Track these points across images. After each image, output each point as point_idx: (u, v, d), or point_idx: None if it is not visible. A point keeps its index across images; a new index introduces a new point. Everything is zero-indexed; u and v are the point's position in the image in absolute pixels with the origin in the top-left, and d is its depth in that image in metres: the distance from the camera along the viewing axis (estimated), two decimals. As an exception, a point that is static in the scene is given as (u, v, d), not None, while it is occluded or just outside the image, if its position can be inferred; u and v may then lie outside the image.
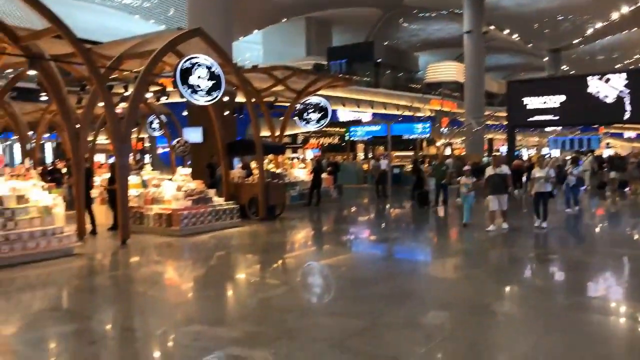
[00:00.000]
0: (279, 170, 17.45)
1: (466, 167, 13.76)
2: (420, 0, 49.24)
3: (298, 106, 20.49)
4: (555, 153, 45.56)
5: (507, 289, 7.56)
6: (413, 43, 61.29)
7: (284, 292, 7.34)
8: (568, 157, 30.84)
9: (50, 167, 23.01)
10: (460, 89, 50.41)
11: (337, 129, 33.28)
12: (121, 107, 18.85)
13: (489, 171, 12.33)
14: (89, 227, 12.58)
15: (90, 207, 12.98)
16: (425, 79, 52.88)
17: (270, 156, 20.48)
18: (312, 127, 21.45)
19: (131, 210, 13.22)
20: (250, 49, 52.46)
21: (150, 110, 23.52)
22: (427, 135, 24.25)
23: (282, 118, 20.98)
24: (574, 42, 58.07)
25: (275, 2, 47.42)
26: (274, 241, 12.03)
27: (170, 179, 14.83)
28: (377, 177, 22.11)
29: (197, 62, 12.98)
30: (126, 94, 15.93)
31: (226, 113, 19.47)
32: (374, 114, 39.60)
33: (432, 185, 18.62)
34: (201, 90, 13.08)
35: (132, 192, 13.98)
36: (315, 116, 21.03)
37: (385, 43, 51.10)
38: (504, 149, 54.54)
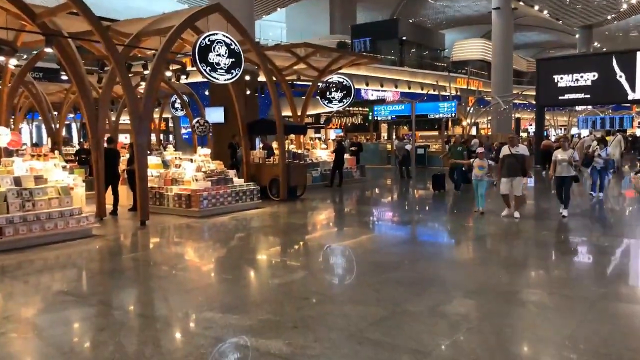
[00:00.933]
0: (300, 151, 17.13)
1: (480, 149, 12.46)
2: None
3: (320, 85, 20.09)
4: (584, 133, 44.30)
5: (510, 277, 7.18)
6: (439, 21, 59.95)
7: (302, 277, 7.08)
8: (594, 138, 29.87)
9: (78, 148, 23.15)
10: (487, 68, 49.22)
11: (361, 109, 32.68)
12: (142, 87, 18.68)
13: (505, 151, 11.34)
14: (110, 207, 12.52)
15: (116, 187, 12.88)
16: (451, 57, 51.72)
17: (292, 136, 20.20)
18: (334, 107, 21.07)
19: (151, 191, 13.13)
20: (273, 28, 51.91)
21: (173, 90, 23.33)
22: (453, 114, 23.60)
23: (304, 97, 20.63)
24: (608, 18, 55.99)
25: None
26: (294, 223, 11.77)
27: (192, 160, 14.67)
28: (401, 157, 21.60)
29: (216, 39, 12.68)
30: (146, 72, 15.77)
31: (248, 92, 19.27)
32: (401, 93, 38.92)
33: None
34: (220, 68, 12.79)
35: (153, 172, 13.87)
36: (338, 95, 20.66)
37: (411, 20, 49.95)
38: (531, 129, 53.30)
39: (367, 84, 38.31)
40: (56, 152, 17.92)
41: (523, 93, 42.76)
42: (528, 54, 68.03)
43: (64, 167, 15.96)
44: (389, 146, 29.48)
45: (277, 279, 6.99)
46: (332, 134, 39.48)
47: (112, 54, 10.97)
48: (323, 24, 51.25)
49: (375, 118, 25.88)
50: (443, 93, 35.42)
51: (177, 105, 25.86)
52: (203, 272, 7.77)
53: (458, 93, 37.81)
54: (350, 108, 32.18)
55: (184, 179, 12.76)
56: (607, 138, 23.97)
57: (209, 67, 12.52)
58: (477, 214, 11.92)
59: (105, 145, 13.50)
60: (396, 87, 39.89)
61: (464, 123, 30.64)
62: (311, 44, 17.62)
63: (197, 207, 12.23)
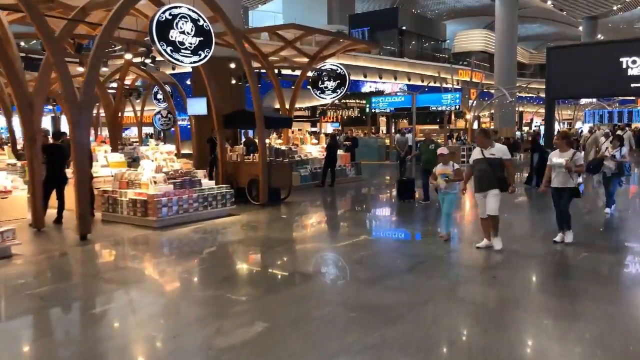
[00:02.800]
0: (284, 147, 14.78)
1: (442, 150, 8.59)
2: (448, -36, 45.45)
3: (311, 73, 17.71)
4: (585, 128, 41.87)
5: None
6: (440, 11, 57.32)
7: (260, 337, 4.77)
8: (603, 133, 27.47)
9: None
10: (489, 60, 46.74)
11: (358, 101, 30.25)
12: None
13: (475, 154, 7.71)
14: (53, 214, 10.21)
15: (61, 191, 10.55)
16: (452, 49, 49.22)
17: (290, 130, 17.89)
18: (327, 97, 18.71)
19: (104, 195, 10.82)
20: (269, 17, 49.29)
21: (153, 80, 20.95)
22: (457, 107, 21.22)
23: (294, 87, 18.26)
24: (614, 8, 53.38)
25: (295, -32, 44.21)
26: (269, 238, 9.44)
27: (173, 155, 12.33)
28: (403, 153, 19.15)
29: (179, 14, 10.32)
30: (127, 57, 13.47)
31: (233, 82, 16.94)
32: (401, 86, 36.49)
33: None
34: (185, 48, 10.44)
35: (114, 171, 11.58)
36: (331, 85, 18.29)
37: (412, 11, 47.41)
38: (536, 123, 50.86)
39: (365, 76, 35.84)
40: (6, 148, 15.59)
41: (528, 86, 40.35)
42: (530, 47, 65.44)
43: (13, 165, 13.67)
44: (387, 141, 27.12)
45: (224, 339, 4.67)
46: (330, 128, 37.17)
47: (41, 31, 8.59)
48: (321, 14, 48.62)
49: (373, 110, 23.44)
50: (445, 85, 33.00)
51: (159, 96, 23.51)
52: (134, 323, 5.45)
53: (459, 85, 35.36)
54: (347, 100, 29.82)
55: (141, 181, 10.42)
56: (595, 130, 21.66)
57: (170, 47, 10.16)
58: (442, 241, 8.37)
59: (51, 140, 11.20)
60: (395, 78, 37.41)
61: (468, 116, 28.25)
62: (300, 25, 15.22)
63: (155, 215, 9.90)
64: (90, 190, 11.09)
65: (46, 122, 34.47)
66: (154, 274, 7.27)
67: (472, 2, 55.79)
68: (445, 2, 56.44)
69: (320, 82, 18.28)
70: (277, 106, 34.27)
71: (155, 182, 10.22)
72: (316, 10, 48.49)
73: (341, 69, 18.10)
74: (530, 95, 41.23)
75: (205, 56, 10.82)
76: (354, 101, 31.73)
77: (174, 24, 10.19)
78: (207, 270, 7.32)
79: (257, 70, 16.40)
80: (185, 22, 10.39)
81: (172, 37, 10.16)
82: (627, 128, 25.40)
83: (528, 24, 60.37)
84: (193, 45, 10.56)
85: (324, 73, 17.92)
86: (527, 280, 6.58)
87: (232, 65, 16.56)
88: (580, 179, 8.14)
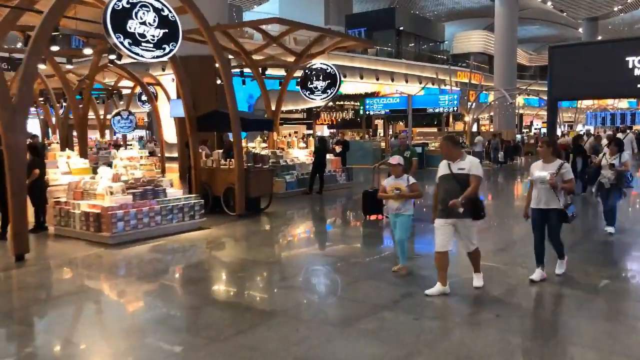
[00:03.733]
0: (265, 152, 13.42)
1: (394, 159, 6.66)
2: (446, -35, 44.14)
3: (299, 73, 16.39)
4: (582, 130, 40.44)
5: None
6: (439, 13, 56.03)
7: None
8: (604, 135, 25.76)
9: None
10: (489, 61, 45.39)
11: (353, 103, 28.86)
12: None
13: (441, 169, 5.86)
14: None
15: (4, 203, 9.20)
16: (451, 50, 47.90)
17: (266, 133, 16.54)
18: (317, 99, 17.38)
19: (55, 207, 9.49)
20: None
21: (134, 80, 19.64)
22: (455, 108, 19.93)
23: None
24: (614, 9, 52.00)
25: (291, -32, 42.94)
26: (237, 257, 8.11)
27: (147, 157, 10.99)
28: None
29: (139, 2, 8.99)
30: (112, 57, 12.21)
31: (219, 82, 15.64)
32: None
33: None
34: (147, 41, 9.11)
35: (74, 179, 10.24)
36: (321, 85, 16.96)
37: (409, 11, 46.07)
38: (536, 125, 49.51)
39: (361, 77, 34.54)
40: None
41: (529, 88, 39.01)
42: (529, 49, 64.11)
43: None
44: (383, 144, 25.77)
45: None
46: (327, 131, 35.84)
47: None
48: (318, 15, 47.25)
49: (367, 112, 22.17)
50: (443, 87, 31.68)
51: (144, 97, 22.21)
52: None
53: (458, 87, 34.04)
54: (343, 102, 28.50)
55: (96, 191, 9.09)
56: (602, 133, 19.95)
57: (128, 40, 8.84)
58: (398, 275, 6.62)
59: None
60: (392, 80, 36.07)
61: (467, 119, 26.90)
62: (283, 19, 13.91)
63: (109, 231, 8.57)
64: (44, 201, 9.81)
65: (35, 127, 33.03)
66: (78, 310, 5.93)
67: (472, 3, 54.49)
68: (444, 3, 55.14)
69: (309, 82, 16.97)
70: (273, 107, 33.18)
71: (111, 193, 8.89)
72: (313, 11, 47.12)
73: (331, 68, 16.77)
74: (535, 97, 39.78)
75: (171, 50, 9.48)
76: (349, 103, 30.37)
77: (133, 14, 8.86)
78: (145, 307, 5.96)
79: (241, 69, 15.13)
80: (147, 11, 9.06)
81: (130, 28, 8.83)
82: (628, 130, 23.88)
83: (528, 25, 59.04)
84: (156, 38, 9.22)
85: (314, 72, 16.61)
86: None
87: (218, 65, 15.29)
88: (569, 199, 6.24)
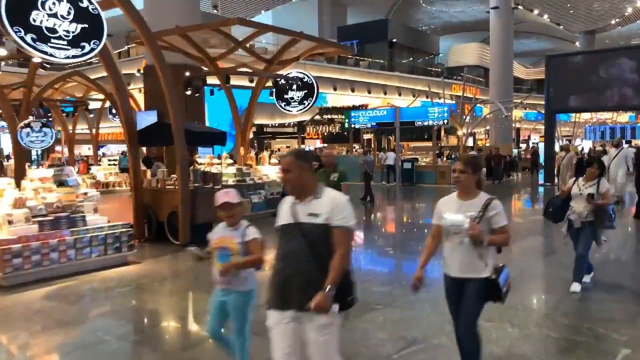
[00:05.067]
0: (216, 170, 11.59)
1: (223, 194, 3.80)
2: (442, -23, 42.68)
3: (279, 81, 14.65)
4: (586, 145, 38.52)
5: None
6: (434, 26, 54.56)
7: None
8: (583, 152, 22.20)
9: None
10: (485, 74, 43.73)
11: (342, 117, 27.09)
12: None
13: (283, 214, 3.09)
14: None
15: None
16: (446, 63, 46.30)
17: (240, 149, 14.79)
18: (294, 110, 15.63)
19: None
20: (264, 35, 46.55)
21: (102, 91, 17.97)
22: (445, 121, 18.20)
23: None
24: (612, 22, 50.49)
25: (284, -20, 41.59)
26: (155, 308, 6.28)
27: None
28: (363, 175, 16.31)
29: (48, -10, 7.30)
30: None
31: (188, 92, 13.98)
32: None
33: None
34: (58, 37, 7.38)
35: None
36: (298, 95, 15.22)
37: (402, 23, 44.51)
38: (534, 140, 47.72)
39: (352, 90, 32.89)
40: None
41: (522, 102, 37.31)
42: (526, 63, 62.51)
43: None
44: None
45: None
46: (320, 145, 34.07)
47: None
48: (311, 28, 45.79)
49: (353, 126, 20.43)
50: (438, 100, 29.97)
51: (114, 110, 20.51)
52: None
53: (453, 100, 32.36)
54: (333, 115, 26.78)
55: (-6, 219, 7.31)
56: (607, 150, 16.54)
57: (32, 35, 7.11)
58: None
59: None
60: (385, 93, 34.41)
61: (459, 132, 25.13)
62: (247, 20, 12.22)
63: (1, 270, 6.78)
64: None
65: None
66: None
67: (467, 17, 53.01)
68: (439, 17, 53.66)
69: (285, 93, 15.25)
70: (259, 122, 31.47)
71: (10, 222, 7.10)
72: (307, 23, 45.66)
73: (308, 77, 15.05)
74: (529, 111, 38.08)
75: (92, 49, 7.75)
76: (339, 116, 28.65)
77: (39, 3, 7.15)
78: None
79: (203, 76, 13.42)
80: (58, 1, 7.35)
81: (35, 20, 7.11)
82: (624, 145, 21.17)
83: (524, 39, 57.55)
84: (71, 34, 7.50)
85: (289, 82, 14.89)
86: None
87: (187, 74, 13.61)
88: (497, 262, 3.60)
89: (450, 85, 36.93)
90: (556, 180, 16.95)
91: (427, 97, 32.31)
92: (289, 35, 12.67)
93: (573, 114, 37.03)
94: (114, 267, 7.77)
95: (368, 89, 33.89)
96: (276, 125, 32.88)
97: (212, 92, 15.17)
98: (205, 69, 13.75)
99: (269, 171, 13.62)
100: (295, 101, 15.33)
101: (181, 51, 13.52)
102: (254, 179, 12.90)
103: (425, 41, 43.08)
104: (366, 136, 28.85)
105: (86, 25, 7.64)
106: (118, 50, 22.97)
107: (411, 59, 41.06)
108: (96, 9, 7.76)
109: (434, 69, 41.03)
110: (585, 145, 38.57)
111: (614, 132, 33.04)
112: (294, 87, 14.77)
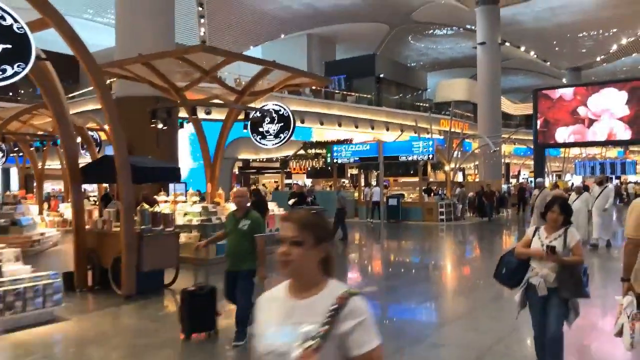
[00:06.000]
0: (168, 210, 10.43)
1: None
2: (429, 15, 42.53)
3: (254, 114, 13.63)
4: (576, 180, 37.70)
5: None
6: (423, 63, 54.48)
7: None
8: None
9: None
10: (474, 110, 43.26)
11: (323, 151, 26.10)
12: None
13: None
14: None
15: None
16: (434, 98, 45.87)
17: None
18: (269, 144, 14.61)
19: None
20: (248, 67, 46.08)
21: (76, 127, 16.88)
22: (430, 156, 17.21)
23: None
24: (597, 59, 50.54)
25: (273, 17, 41.33)
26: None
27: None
28: (335, 213, 15.19)
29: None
30: None
31: (160, 126, 12.99)
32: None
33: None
34: (-28, 60, 6.34)
35: None
36: (274, 128, 14.22)
37: (391, 58, 44.18)
38: (524, 176, 46.90)
39: (339, 125, 32.14)
40: None
41: (510, 137, 36.67)
42: (514, 98, 62.43)
43: None
44: (356, 194, 22.90)
45: None
46: (308, 181, 32.97)
47: None
48: (300, 64, 45.37)
49: (335, 161, 19.41)
50: (426, 136, 29.13)
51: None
52: None
53: (441, 135, 31.59)
54: (316, 150, 25.77)
55: None
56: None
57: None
58: None
59: None
60: (372, 128, 33.67)
61: (447, 168, 24.16)
62: (211, 47, 11.29)
63: None
64: None
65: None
66: None
67: (455, 53, 53.02)
68: (427, 53, 53.64)
69: (259, 125, 14.25)
70: (244, 156, 30.44)
71: None
72: (296, 59, 45.33)
73: (284, 109, 14.09)
74: (519, 146, 37.36)
75: (16, 73, 6.70)
76: (322, 151, 27.65)
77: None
78: None
79: (168, 108, 12.39)
80: (-26, 19, 6.34)
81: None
82: (608, 183, 18.02)
83: (512, 75, 57.64)
84: (-8, 56, 6.47)
85: (264, 114, 13.89)
86: None
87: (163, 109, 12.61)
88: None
89: (438, 120, 36.30)
90: (530, 222, 13.73)
91: (414, 132, 31.55)
92: (260, 64, 11.72)
93: (562, 149, 36.33)
94: (37, 326, 6.52)
95: (355, 123, 33.14)
96: (264, 160, 31.93)
97: (181, 125, 14.16)
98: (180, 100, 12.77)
99: (239, 210, 12.41)
100: (270, 134, 14.32)
101: (147, 81, 12.56)
102: (221, 219, 11.70)
103: (413, 76, 42.71)
104: (352, 171, 27.78)
105: (9, 46, 6.61)
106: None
107: (400, 95, 40.58)
108: (22, 27, 6.75)
109: (422, 104, 40.49)
110: (575, 180, 37.75)
111: (604, 168, 32.22)
112: (270, 119, 13.79)
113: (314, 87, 34.94)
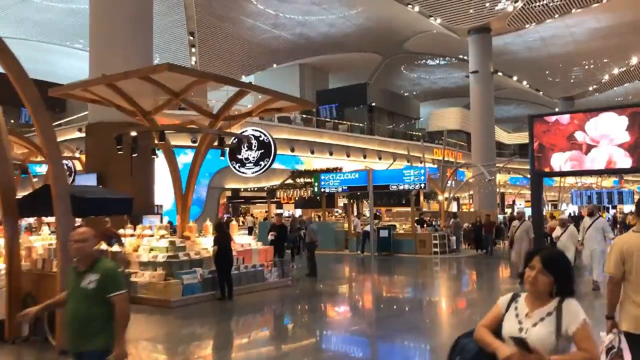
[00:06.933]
0: (129, 246, 9.19)
1: None
2: (421, 45, 42.08)
3: (231, 140, 12.54)
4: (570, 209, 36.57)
5: None
6: (416, 92, 53.98)
7: None
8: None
9: None
10: (467, 139, 42.49)
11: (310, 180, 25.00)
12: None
13: None
14: None
15: None
16: (427, 127, 45.14)
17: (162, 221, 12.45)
18: (249, 172, 13.53)
19: None
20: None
21: (39, 151, 15.77)
22: (422, 185, 16.10)
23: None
24: (589, 89, 50.15)
25: (265, 47, 40.83)
26: None
27: None
28: (307, 244, 13.95)
29: None
30: None
31: (135, 155, 11.89)
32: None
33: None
34: None
35: None
36: (253, 156, 13.15)
37: (383, 88, 43.57)
38: (520, 205, 45.82)
39: (331, 153, 31.12)
40: None
41: (504, 166, 35.67)
42: (508, 128, 61.90)
43: None
44: (346, 225, 21.63)
45: None
46: (298, 212, 31.81)
47: None
48: (293, 93, 44.72)
49: (323, 190, 18.28)
50: (416, 165, 28.11)
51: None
52: None
53: (434, 164, 30.59)
54: (309, 179, 24.70)
55: None
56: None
57: None
58: None
59: None
60: (364, 157, 32.66)
61: (440, 197, 23.02)
62: (179, 66, 10.27)
63: None
64: None
65: None
66: None
67: (448, 83, 52.59)
68: (420, 83, 53.18)
69: (237, 152, 13.15)
70: (232, 185, 29.28)
71: None
72: (288, 88, 44.72)
73: (265, 135, 13.05)
74: (514, 175, 36.38)
75: None
76: (311, 179, 26.58)
77: None
78: None
79: (135, 134, 11.26)
80: None
81: None
82: (598, 213, 15.46)
83: (505, 105, 57.22)
84: None
85: (242, 140, 12.80)
86: None
87: (133, 133, 11.52)
88: None
89: (431, 149, 35.40)
90: (511, 257, 12.44)
91: (407, 161, 30.56)
92: (236, 86, 10.67)
93: (557, 178, 35.35)
94: None
95: (347, 152, 32.17)
96: (255, 189, 30.82)
97: (153, 152, 13.03)
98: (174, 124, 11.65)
99: (209, 244, 11.12)
100: (250, 162, 13.28)
101: (114, 105, 11.50)
102: (190, 254, 10.46)
103: (405, 106, 42.02)
104: (343, 201, 26.60)
105: None
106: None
107: (393, 124, 39.79)
108: None
109: (415, 133, 39.68)
110: (572, 210, 36.62)
111: (600, 197, 31.15)
112: (248, 146, 12.69)
113: (304, 115, 34.38)
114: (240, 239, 11.89)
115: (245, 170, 13.32)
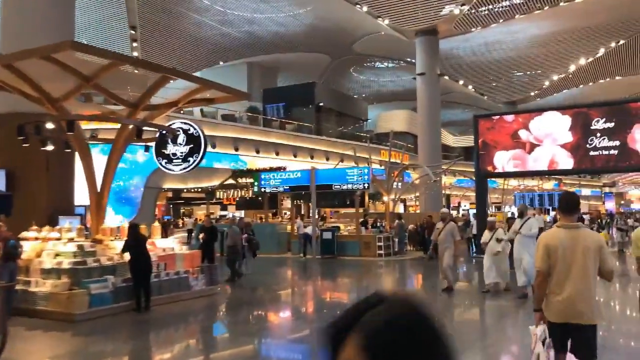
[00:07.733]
0: (69, 246, 7.83)
1: None
2: (370, 47, 41.64)
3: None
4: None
5: None
6: (365, 94, 53.66)
7: None
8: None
9: None
10: (414, 141, 42.37)
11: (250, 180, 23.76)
12: None
13: None
14: None
15: None
16: (375, 129, 44.76)
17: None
18: (176, 169, 12.24)
19: None
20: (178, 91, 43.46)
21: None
22: (366, 185, 15.28)
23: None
24: (531, 94, 51.32)
25: (211, 44, 39.29)
26: None
27: None
28: (228, 250, 12.70)
29: None
30: None
31: (49, 148, 10.41)
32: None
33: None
34: None
35: None
36: (182, 151, 11.88)
37: (331, 87, 42.87)
38: (464, 207, 46.18)
39: (277, 153, 29.98)
40: None
41: (449, 167, 35.63)
42: (454, 131, 62.61)
43: None
44: (289, 227, 20.57)
45: None
46: (241, 213, 30.46)
47: None
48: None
49: (263, 190, 17.17)
50: (362, 165, 27.43)
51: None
52: None
53: (382, 166, 30.03)
54: (251, 179, 23.46)
55: None
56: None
57: None
58: None
59: None
60: (312, 157, 31.73)
61: (385, 198, 22.36)
62: (82, 44, 8.94)
63: None
64: None
65: None
66: None
67: (396, 86, 52.54)
68: (370, 86, 52.89)
69: (165, 148, 11.87)
70: (170, 185, 27.68)
71: None
72: (235, 86, 43.24)
73: (195, 128, 11.82)
74: (460, 177, 36.36)
75: None
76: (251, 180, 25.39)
77: None
78: None
79: (37, 122, 9.83)
80: None
81: None
82: (533, 211, 14.18)
83: (452, 109, 57.80)
84: None
85: (165, 134, 11.51)
86: None
87: (51, 125, 10.04)
88: None
89: (378, 150, 34.88)
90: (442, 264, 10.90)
91: (355, 163, 29.87)
92: (156, 71, 9.42)
93: (501, 180, 35.64)
94: None
95: (294, 152, 31.14)
96: (199, 190, 29.29)
97: (67, 145, 11.54)
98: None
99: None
100: (178, 158, 12.00)
101: (17, 90, 10.01)
102: (100, 260, 9.13)
103: (353, 106, 41.42)
104: (288, 201, 25.53)
105: None
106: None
107: (342, 127, 39.10)
108: None
109: (363, 134, 39.15)
110: (515, 211, 37.00)
111: (542, 199, 31.49)
112: (173, 140, 11.45)
113: (250, 114, 33.11)
114: (163, 243, 10.62)
115: (173, 166, 12.02)
